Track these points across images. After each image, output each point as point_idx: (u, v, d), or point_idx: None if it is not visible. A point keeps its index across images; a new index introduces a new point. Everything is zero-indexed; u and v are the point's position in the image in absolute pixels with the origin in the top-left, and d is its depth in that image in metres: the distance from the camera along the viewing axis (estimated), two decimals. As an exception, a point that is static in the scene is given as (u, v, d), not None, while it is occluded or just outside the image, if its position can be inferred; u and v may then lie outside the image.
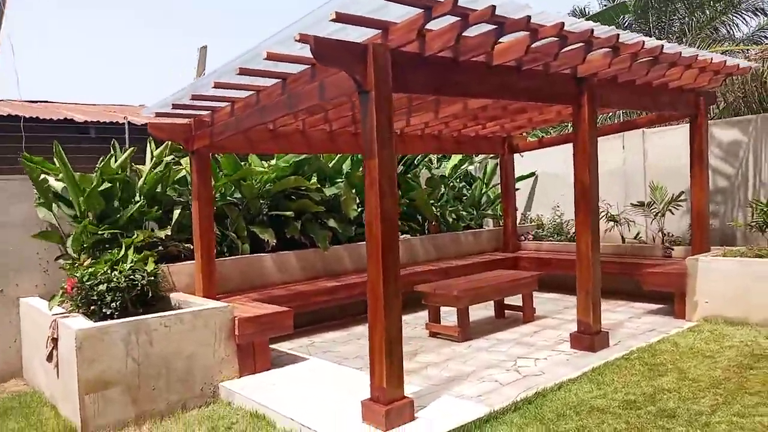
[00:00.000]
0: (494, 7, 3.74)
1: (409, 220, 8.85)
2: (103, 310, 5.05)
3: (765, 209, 6.38)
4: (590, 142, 5.54)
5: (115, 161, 6.51)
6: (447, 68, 4.44)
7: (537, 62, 4.83)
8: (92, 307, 5.09)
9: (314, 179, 7.97)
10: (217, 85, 5.05)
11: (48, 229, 6.21)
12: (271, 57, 4.28)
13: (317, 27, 3.84)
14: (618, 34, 4.72)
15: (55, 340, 4.91)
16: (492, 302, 7.14)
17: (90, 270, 5.24)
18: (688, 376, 4.68)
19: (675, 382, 4.55)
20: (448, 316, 6.90)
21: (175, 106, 5.79)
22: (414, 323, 7.09)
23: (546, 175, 10.46)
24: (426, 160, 9.73)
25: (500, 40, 4.52)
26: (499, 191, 9.63)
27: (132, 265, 5.33)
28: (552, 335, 6.25)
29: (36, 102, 11.60)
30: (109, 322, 4.69)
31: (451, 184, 9.67)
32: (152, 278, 5.32)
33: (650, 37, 5.80)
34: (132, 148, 6.55)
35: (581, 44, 4.82)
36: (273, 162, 7.70)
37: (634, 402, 4.22)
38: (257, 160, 7.77)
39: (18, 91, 8.79)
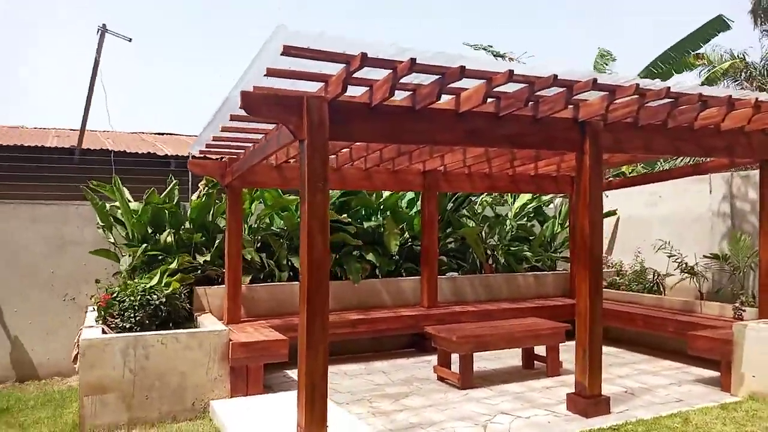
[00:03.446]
0: (413, 59, 3.78)
1: (459, 258, 8.73)
2: (124, 324, 5.77)
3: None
4: (592, 191, 5.17)
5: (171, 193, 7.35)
6: (402, 117, 4.49)
7: (513, 108, 4.67)
8: (115, 320, 5.83)
9: (362, 213, 8.26)
10: (224, 129, 5.54)
11: (112, 249, 7.19)
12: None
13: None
14: (595, 78, 4.42)
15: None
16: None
17: (119, 288, 6.01)
18: (663, 460, 4.16)
19: (641, 464, 4.08)
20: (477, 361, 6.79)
21: (209, 146, 6.42)
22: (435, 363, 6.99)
23: (629, 218, 9.68)
24: (491, 198, 9.54)
25: (466, 88, 4.54)
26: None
27: (152, 285, 6.00)
28: (562, 394, 5.81)
29: (162, 134, 13.33)
30: (111, 335, 5.35)
31: (511, 223, 9.32)
32: (165, 299, 5.92)
33: None
34: (175, 181, 7.37)
35: (562, 89, 4.61)
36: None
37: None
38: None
39: (110, 126, 10.33)
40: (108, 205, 7.08)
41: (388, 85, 4.05)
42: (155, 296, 5.88)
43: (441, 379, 6.33)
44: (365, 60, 3.70)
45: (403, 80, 4.19)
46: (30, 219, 7.12)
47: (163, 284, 6.28)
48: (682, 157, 9.14)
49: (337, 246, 7.75)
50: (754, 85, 14.09)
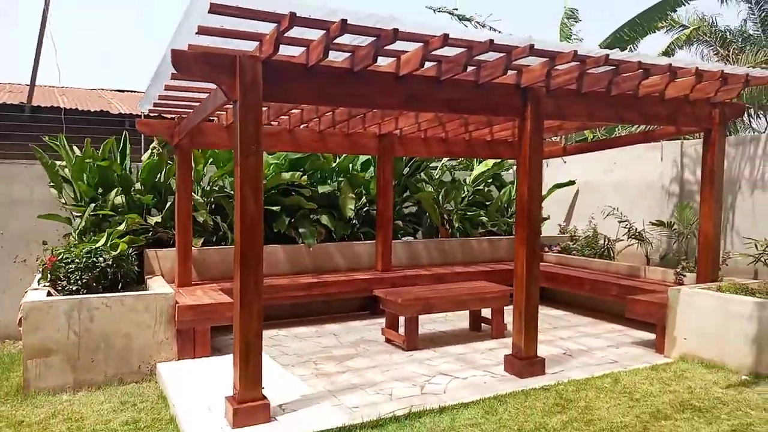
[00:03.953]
0: (344, 21, 3.74)
1: (415, 223, 8.80)
2: (71, 286, 5.73)
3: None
4: (532, 158, 5.23)
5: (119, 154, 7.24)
6: (341, 78, 4.46)
7: (453, 72, 4.66)
8: (61, 282, 5.78)
9: (318, 176, 8.24)
10: (168, 87, 5.44)
11: (63, 209, 7.09)
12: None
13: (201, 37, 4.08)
14: (532, 45, 4.42)
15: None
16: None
17: (64, 249, 5.95)
18: (586, 418, 4.32)
19: (564, 424, 4.23)
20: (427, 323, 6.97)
21: (159, 105, 6.29)
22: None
23: (586, 185, 9.83)
24: (454, 163, 9.58)
25: (406, 50, 4.52)
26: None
27: (97, 247, 5.95)
28: (503, 355, 5.95)
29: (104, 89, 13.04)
30: (54, 297, 5.32)
31: (468, 188, 9.39)
32: (112, 261, 5.88)
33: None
34: (110, 139, 7.26)
35: (502, 54, 4.61)
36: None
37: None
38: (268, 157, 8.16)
39: (59, 83, 10.03)
40: (57, 164, 6.96)
41: (322, 46, 4.01)
42: (101, 258, 5.84)
43: (388, 341, 6.45)
44: (294, 20, 3.65)
45: (341, 41, 4.17)
46: (-25, 178, 6.98)
47: (110, 246, 6.23)
48: (637, 125, 9.22)
49: (292, 209, 7.75)
50: (730, 49, 14.00)
